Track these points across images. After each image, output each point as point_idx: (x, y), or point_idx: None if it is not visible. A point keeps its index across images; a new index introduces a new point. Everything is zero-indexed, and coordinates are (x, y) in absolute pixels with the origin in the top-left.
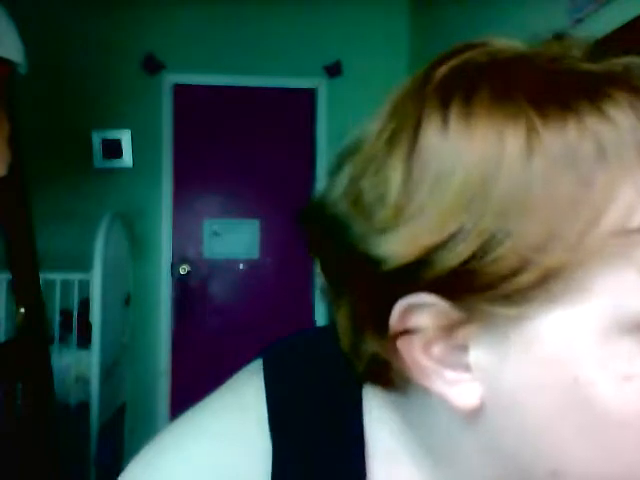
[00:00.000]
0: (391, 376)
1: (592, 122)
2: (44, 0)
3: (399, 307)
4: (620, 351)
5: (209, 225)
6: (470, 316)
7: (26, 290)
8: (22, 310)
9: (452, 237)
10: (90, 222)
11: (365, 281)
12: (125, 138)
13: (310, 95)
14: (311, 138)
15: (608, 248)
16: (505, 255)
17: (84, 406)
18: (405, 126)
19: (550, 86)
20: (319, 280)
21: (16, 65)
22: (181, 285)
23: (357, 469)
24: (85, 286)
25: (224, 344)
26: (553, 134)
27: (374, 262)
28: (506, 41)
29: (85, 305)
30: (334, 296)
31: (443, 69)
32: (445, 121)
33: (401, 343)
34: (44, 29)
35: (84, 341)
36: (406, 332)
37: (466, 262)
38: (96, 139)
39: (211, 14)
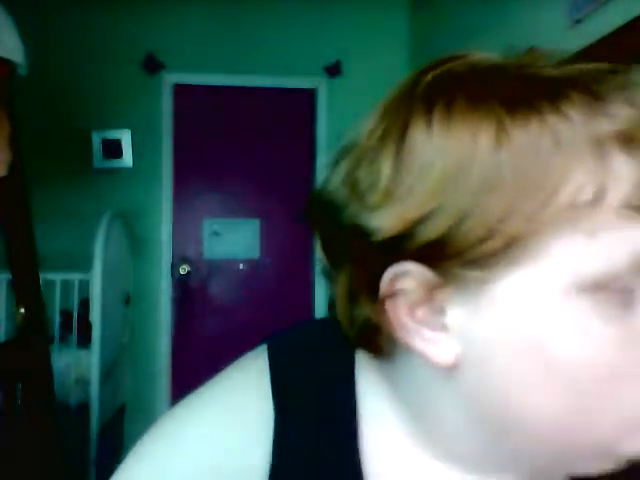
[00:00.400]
0: (379, 341)
1: (551, 119)
2: (44, 1)
3: (388, 274)
4: (576, 309)
5: (209, 225)
6: (446, 280)
7: (26, 290)
8: (22, 310)
9: (432, 213)
10: (90, 222)
11: (360, 252)
12: (125, 138)
13: (310, 95)
14: (311, 138)
15: (561, 220)
16: (474, 227)
17: (84, 406)
18: (395, 126)
19: (518, 90)
20: (319, 263)
21: (16, 65)
22: (181, 285)
23: (349, 431)
24: (85, 286)
25: (224, 344)
26: (519, 130)
27: (367, 234)
28: (484, 54)
29: (85, 305)
30: (333, 272)
31: (428, 77)
32: (429, 123)
33: (389, 305)
34: (44, 29)
35: (84, 341)
36: (393, 295)
37: (443, 234)
38: (96, 139)
39: (211, 14)
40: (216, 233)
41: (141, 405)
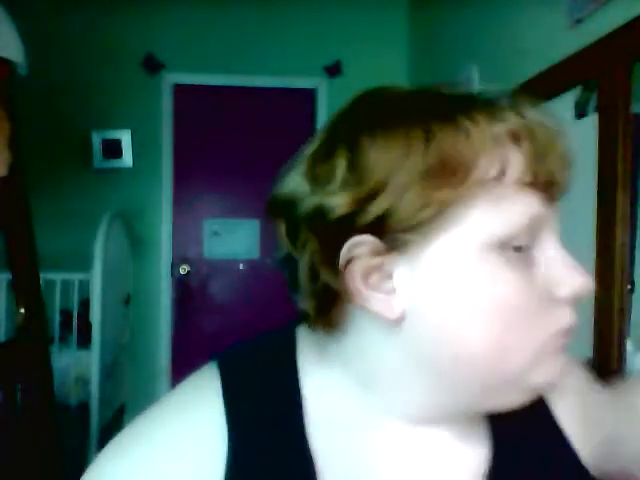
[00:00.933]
0: (333, 314)
1: (464, 123)
2: (44, 1)
3: (346, 245)
4: (490, 262)
5: (209, 225)
6: (392, 246)
7: (26, 290)
8: (22, 310)
9: (378, 193)
10: (90, 222)
11: (322, 231)
12: (125, 138)
13: (310, 95)
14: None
15: (474, 192)
16: (413, 200)
17: (84, 406)
18: (345, 134)
19: (438, 105)
20: (277, 254)
21: (16, 65)
22: (181, 285)
23: (294, 399)
24: (85, 286)
25: (224, 344)
26: (441, 131)
27: (327, 214)
28: (404, 86)
29: (85, 305)
30: (296, 253)
31: (365, 100)
32: (372, 131)
33: (347, 274)
34: (44, 29)
35: (84, 341)
36: (350, 263)
37: (388, 208)
38: (96, 139)
39: (211, 14)
40: (216, 233)
41: (141, 405)
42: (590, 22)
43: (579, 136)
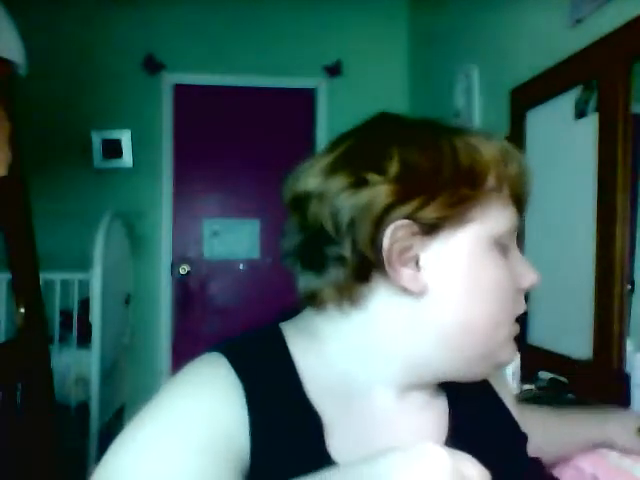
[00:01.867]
0: (358, 287)
1: (472, 142)
2: (44, 1)
3: (391, 227)
4: (492, 252)
5: (209, 225)
6: (425, 231)
7: (26, 290)
8: (22, 310)
9: (420, 189)
10: (90, 222)
11: (372, 216)
12: (125, 138)
13: (310, 95)
14: (311, 138)
15: (488, 197)
16: (447, 196)
17: (84, 406)
18: (393, 143)
19: (449, 129)
20: (294, 244)
21: (16, 66)
22: (181, 285)
23: (296, 385)
24: (85, 286)
25: None
26: (462, 148)
27: (377, 203)
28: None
29: (85, 305)
30: (338, 235)
31: (391, 118)
32: (412, 146)
33: (387, 251)
34: (44, 29)
35: (84, 341)
36: (394, 242)
37: (426, 202)
38: (96, 139)
39: (211, 14)
40: (216, 233)
41: (141, 405)
42: (590, 22)
43: (579, 136)
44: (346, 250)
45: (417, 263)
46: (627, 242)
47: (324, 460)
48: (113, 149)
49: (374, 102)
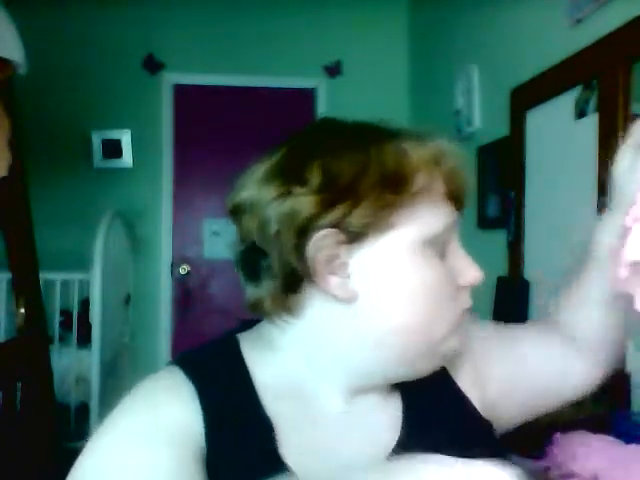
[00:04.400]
0: (292, 296)
1: (402, 147)
2: (44, 0)
3: (316, 237)
4: (423, 254)
5: (209, 225)
6: (351, 239)
7: (26, 290)
8: (22, 310)
9: (342, 198)
10: (90, 222)
11: (295, 226)
12: (125, 138)
13: (310, 95)
14: None
15: (414, 200)
16: (371, 202)
17: (84, 406)
18: (316, 155)
19: (384, 133)
20: (237, 254)
21: (16, 65)
22: (181, 285)
23: (249, 389)
24: (85, 286)
25: None
26: (390, 153)
27: (300, 212)
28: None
29: (85, 305)
30: (266, 245)
31: (326, 125)
32: (338, 154)
33: (313, 260)
34: (44, 29)
35: (84, 341)
36: (318, 251)
37: (350, 210)
38: (96, 139)
39: (211, 14)
40: (216, 233)
41: None
42: (590, 22)
43: (579, 136)
44: (274, 261)
45: (346, 270)
46: None
47: (276, 462)
48: (113, 149)
49: (374, 102)
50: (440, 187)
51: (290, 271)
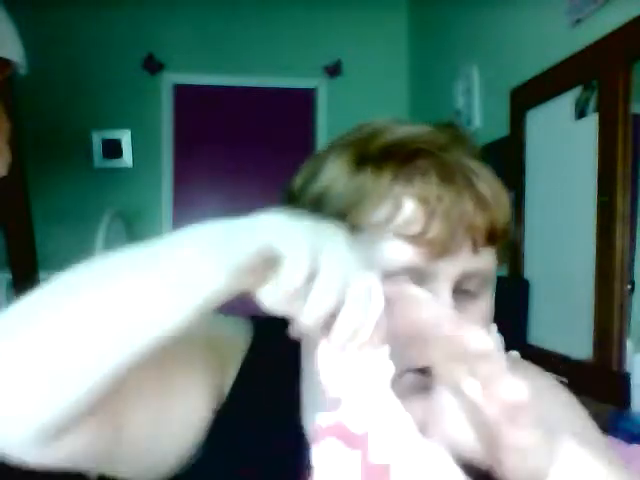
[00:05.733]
0: None
1: (408, 167)
2: (45, 1)
3: None
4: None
5: None
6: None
7: (26, 290)
8: None
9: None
10: (90, 222)
11: None
12: (125, 138)
13: (310, 95)
14: (311, 138)
15: (379, 227)
16: (356, 224)
17: None
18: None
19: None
20: None
21: (16, 65)
22: None
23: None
24: None
25: None
26: (383, 170)
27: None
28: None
29: None
30: None
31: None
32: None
33: None
34: (44, 29)
35: None
36: None
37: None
38: (96, 139)
39: (211, 14)
40: None
41: None
42: (590, 22)
43: (579, 136)
44: None
45: None
46: (627, 242)
47: (296, 435)
48: (113, 149)
49: (374, 102)
50: (403, 219)
51: None
